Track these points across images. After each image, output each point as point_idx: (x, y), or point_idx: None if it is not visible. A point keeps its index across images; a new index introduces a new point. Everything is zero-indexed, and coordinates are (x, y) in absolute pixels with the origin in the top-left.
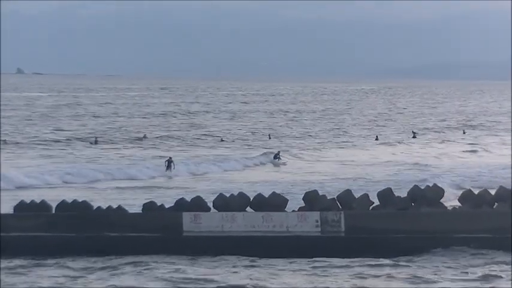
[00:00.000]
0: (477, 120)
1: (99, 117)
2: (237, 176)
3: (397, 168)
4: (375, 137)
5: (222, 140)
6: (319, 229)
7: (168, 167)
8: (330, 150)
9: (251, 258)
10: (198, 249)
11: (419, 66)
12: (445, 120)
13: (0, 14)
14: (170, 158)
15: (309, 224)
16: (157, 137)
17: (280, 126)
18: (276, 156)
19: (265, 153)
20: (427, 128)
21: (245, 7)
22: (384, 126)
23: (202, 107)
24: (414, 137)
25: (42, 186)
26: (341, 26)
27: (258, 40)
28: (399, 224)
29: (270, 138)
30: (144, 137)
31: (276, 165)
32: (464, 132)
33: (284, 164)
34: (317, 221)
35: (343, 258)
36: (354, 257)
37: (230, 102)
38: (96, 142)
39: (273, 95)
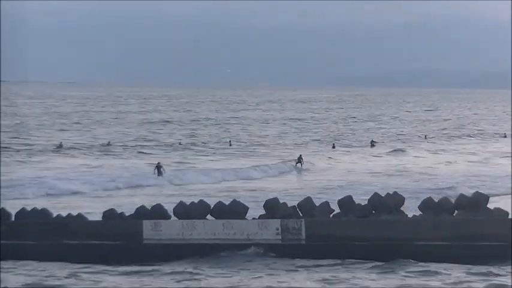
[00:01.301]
0: (439, 129)
1: (66, 123)
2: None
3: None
4: (332, 145)
5: (180, 144)
6: (279, 237)
7: (159, 173)
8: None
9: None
10: (158, 257)
11: (387, 72)
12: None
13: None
14: (159, 163)
15: (270, 232)
16: (122, 145)
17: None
18: (299, 160)
19: (283, 161)
20: (388, 136)
21: (207, 15)
22: (342, 134)
23: (162, 114)
24: (373, 145)
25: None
26: (304, 34)
27: (221, 48)
28: (360, 231)
29: (230, 145)
30: (108, 143)
31: (300, 170)
32: (425, 137)
33: (305, 168)
34: (278, 229)
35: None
36: (315, 264)
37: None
38: (60, 146)
39: (236, 103)
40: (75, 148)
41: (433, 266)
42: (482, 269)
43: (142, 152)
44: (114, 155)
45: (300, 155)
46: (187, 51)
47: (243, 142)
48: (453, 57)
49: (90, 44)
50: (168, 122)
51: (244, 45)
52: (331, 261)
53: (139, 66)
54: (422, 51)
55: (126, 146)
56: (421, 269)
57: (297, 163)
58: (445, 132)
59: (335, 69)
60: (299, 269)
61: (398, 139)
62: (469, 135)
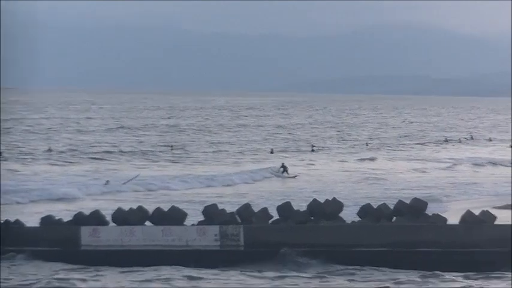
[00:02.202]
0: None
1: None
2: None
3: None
4: (270, 150)
5: (121, 152)
6: (218, 243)
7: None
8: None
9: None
10: (97, 264)
11: (335, 79)
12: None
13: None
14: (107, 181)
15: (209, 238)
16: (62, 151)
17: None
18: (284, 169)
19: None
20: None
21: (145, 20)
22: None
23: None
24: (313, 150)
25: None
26: (248, 40)
27: (159, 54)
28: (298, 237)
29: (172, 149)
30: (49, 150)
31: (283, 178)
32: (367, 144)
33: (294, 177)
34: (216, 235)
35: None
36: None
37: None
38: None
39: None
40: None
41: (371, 272)
42: (418, 275)
43: (94, 158)
44: (62, 161)
45: (283, 163)
46: (134, 55)
47: (185, 149)
48: (392, 64)
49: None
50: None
51: (191, 49)
52: (268, 268)
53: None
54: (366, 58)
55: (77, 152)
56: (358, 274)
57: (282, 171)
58: (388, 139)
59: (284, 76)
60: (237, 274)
61: (340, 146)
62: (421, 143)
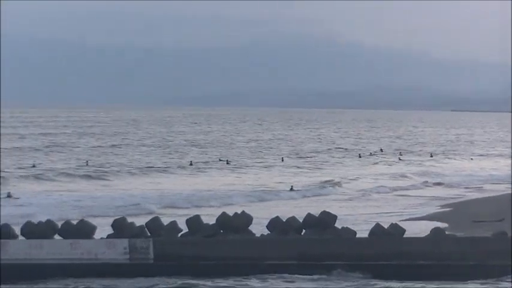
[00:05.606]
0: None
1: None
2: None
3: None
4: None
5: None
6: (127, 256)
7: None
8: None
9: None
10: (4, 278)
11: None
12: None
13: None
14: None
15: (118, 251)
16: None
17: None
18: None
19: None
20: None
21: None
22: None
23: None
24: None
25: None
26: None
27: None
28: (207, 250)
29: (87, 164)
30: None
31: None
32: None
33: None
34: (125, 248)
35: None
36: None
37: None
38: None
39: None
40: None
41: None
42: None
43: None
44: None
45: None
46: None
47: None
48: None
49: None
50: None
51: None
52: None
53: None
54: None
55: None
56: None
57: None
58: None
59: (172, 89)
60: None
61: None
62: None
